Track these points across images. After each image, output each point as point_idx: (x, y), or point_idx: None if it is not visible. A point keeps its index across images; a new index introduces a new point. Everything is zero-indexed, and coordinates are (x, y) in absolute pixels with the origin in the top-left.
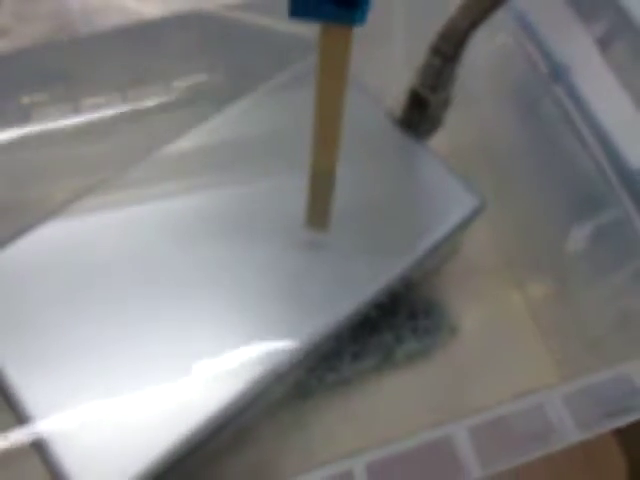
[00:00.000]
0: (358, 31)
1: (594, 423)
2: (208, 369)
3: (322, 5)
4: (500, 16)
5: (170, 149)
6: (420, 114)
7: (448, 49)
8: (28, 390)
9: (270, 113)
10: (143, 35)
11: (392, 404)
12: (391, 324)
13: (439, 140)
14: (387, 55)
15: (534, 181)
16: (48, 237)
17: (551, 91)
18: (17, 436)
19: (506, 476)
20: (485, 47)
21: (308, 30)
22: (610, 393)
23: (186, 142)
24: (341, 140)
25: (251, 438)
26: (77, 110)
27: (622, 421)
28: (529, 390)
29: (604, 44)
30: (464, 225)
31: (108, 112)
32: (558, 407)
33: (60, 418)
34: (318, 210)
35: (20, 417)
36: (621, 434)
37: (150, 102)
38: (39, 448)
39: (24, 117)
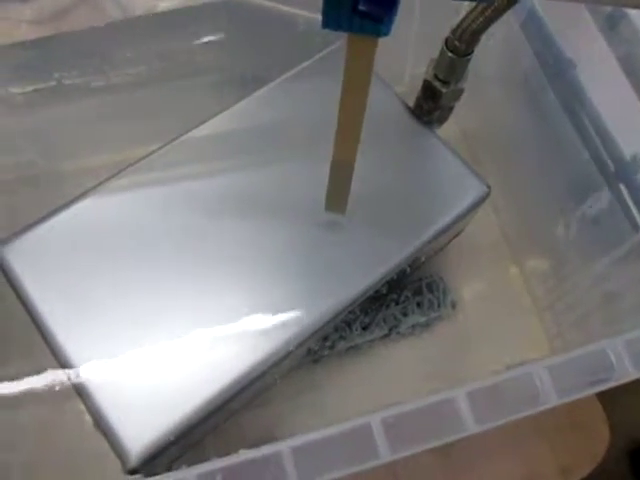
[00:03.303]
0: None
1: (573, 390)
2: (236, 334)
3: (352, 19)
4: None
5: (197, 133)
6: (433, 104)
7: (461, 45)
8: (74, 341)
9: (294, 100)
10: (173, 22)
11: (397, 370)
12: (398, 299)
13: (447, 124)
14: (403, 42)
15: (534, 166)
16: (87, 211)
17: (555, 82)
18: (62, 378)
19: (500, 434)
20: (495, 38)
21: None
22: (589, 365)
23: (213, 126)
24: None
25: (268, 397)
26: (107, 90)
27: (598, 388)
28: (522, 361)
29: (608, 38)
30: (470, 210)
31: (138, 94)
32: (543, 376)
33: (102, 368)
34: (337, 195)
35: (62, 363)
36: (605, 403)
37: (178, 86)
38: (80, 390)
39: (62, 95)
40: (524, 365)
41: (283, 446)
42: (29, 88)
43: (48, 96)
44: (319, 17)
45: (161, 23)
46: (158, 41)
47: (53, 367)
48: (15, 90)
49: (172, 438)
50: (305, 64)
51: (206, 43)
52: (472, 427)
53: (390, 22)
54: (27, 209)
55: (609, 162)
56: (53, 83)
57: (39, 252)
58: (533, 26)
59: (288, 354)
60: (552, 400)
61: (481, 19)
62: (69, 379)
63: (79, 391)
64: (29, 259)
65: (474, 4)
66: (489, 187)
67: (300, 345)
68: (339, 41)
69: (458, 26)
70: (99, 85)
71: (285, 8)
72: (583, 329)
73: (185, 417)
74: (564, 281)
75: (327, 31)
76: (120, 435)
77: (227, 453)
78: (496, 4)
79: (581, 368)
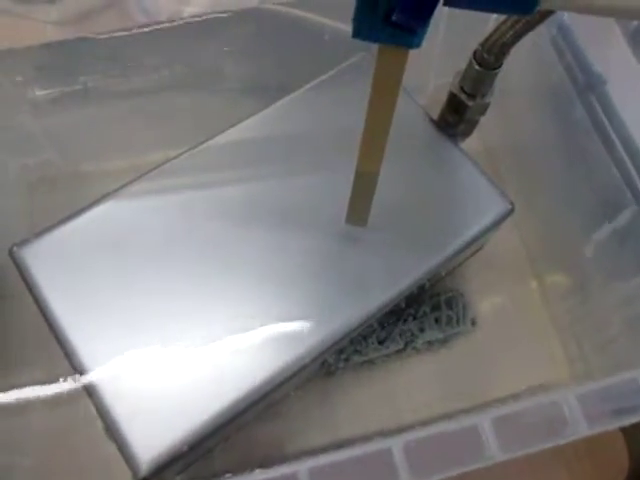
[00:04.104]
0: None
1: (603, 421)
2: (251, 345)
3: (384, 29)
4: None
5: (219, 140)
6: (457, 117)
7: (489, 58)
8: (85, 343)
9: (316, 110)
10: (198, 28)
11: (412, 387)
12: (415, 313)
13: (471, 138)
14: (427, 54)
15: (560, 183)
16: (107, 214)
17: (585, 99)
18: (73, 381)
19: (518, 459)
20: (524, 51)
21: None
22: (619, 395)
23: (235, 134)
24: (386, 147)
25: (280, 410)
26: (130, 95)
27: (628, 420)
28: (542, 384)
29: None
30: (493, 227)
31: (160, 99)
32: (572, 404)
33: (116, 373)
34: (359, 207)
35: (75, 366)
36: (624, 430)
37: (201, 93)
38: (92, 395)
39: (85, 98)
40: (550, 391)
41: (301, 467)
42: (53, 89)
43: (71, 98)
44: (345, 27)
45: (186, 29)
46: (182, 47)
47: (66, 371)
48: (39, 91)
49: (185, 448)
50: (329, 74)
51: (231, 50)
52: (497, 455)
53: (422, 34)
54: (46, 210)
55: (638, 181)
56: (77, 86)
57: (57, 254)
58: (563, 40)
59: (304, 367)
60: (582, 430)
61: (511, 32)
62: (82, 383)
63: (91, 395)
64: (46, 261)
65: (504, 16)
66: (512, 204)
67: (315, 358)
68: (364, 52)
69: (487, 39)
70: (122, 89)
71: (311, 17)
72: (606, 353)
73: (198, 427)
74: (587, 302)
75: (352, 41)
76: (131, 443)
77: (236, 465)
78: (527, 18)
79: (611, 397)
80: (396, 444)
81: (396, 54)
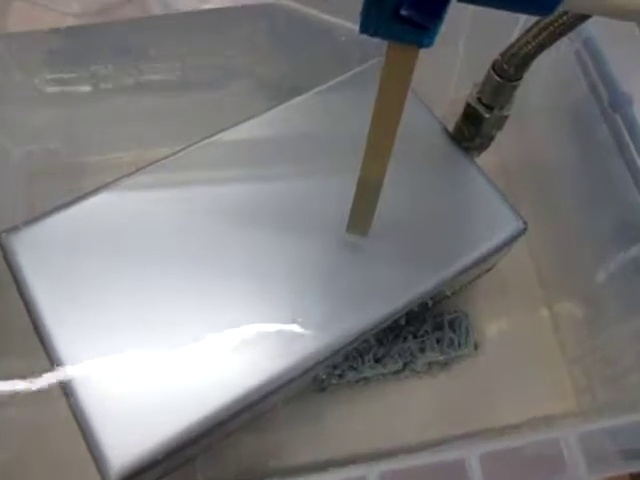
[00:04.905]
0: None
1: (609, 464)
2: (238, 353)
3: (393, 25)
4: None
5: (223, 137)
6: (474, 130)
7: (510, 69)
8: (65, 338)
9: (325, 113)
10: (213, 24)
11: (407, 409)
12: (416, 332)
13: (487, 154)
14: (447, 65)
15: (578, 206)
16: (100, 207)
17: (609, 119)
18: (48, 378)
19: None
20: (546, 65)
21: None
22: (629, 436)
23: (239, 132)
24: (392, 153)
25: (267, 422)
26: (139, 87)
27: (636, 466)
28: (545, 416)
29: None
30: (503, 247)
31: (170, 94)
32: (573, 445)
33: (94, 371)
34: (361, 216)
35: (53, 361)
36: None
37: (211, 89)
38: (67, 392)
39: (94, 88)
40: (552, 426)
41: None
42: (62, 77)
43: (81, 87)
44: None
45: (199, 22)
46: (195, 42)
47: (46, 365)
48: (48, 78)
49: (159, 457)
50: (341, 77)
51: (244, 47)
52: None
53: (434, 32)
54: (46, 200)
55: None
56: (87, 75)
57: (46, 244)
58: (588, 55)
59: (292, 380)
60: (581, 473)
61: (534, 43)
62: (58, 378)
63: (66, 392)
64: (34, 251)
65: (528, 27)
66: (526, 223)
67: (305, 372)
68: (380, 57)
69: (508, 49)
70: (132, 81)
71: (327, 17)
72: (616, 388)
73: (175, 435)
74: (599, 333)
75: (369, 45)
76: (103, 446)
77: (218, 476)
78: (552, 28)
79: (620, 438)
80: (372, 472)
81: (405, 53)
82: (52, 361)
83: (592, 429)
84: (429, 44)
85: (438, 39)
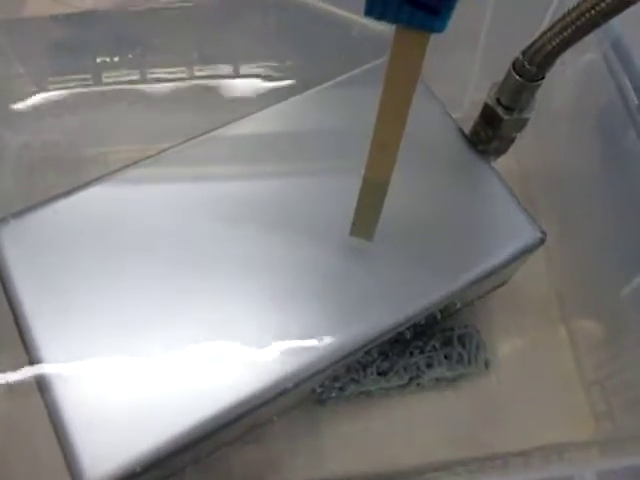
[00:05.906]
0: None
1: None
2: (229, 361)
3: (401, 8)
4: (592, 35)
5: (227, 131)
6: (491, 132)
7: (531, 68)
8: (46, 337)
9: (332, 109)
10: (220, 13)
11: (411, 427)
12: (424, 347)
13: (506, 158)
14: (466, 64)
15: (601, 217)
16: (91, 200)
17: (638, 124)
18: (27, 373)
19: None
20: (571, 67)
21: (387, 29)
22: None
23: (241, 127)
24: (399, 151)
25: (262, 435)
26: (143, 78)
27: None
28: (559, 443)
29: None
30: (519, 257)
31: (172, 85)
32: None
33: (73, 373)
34: (366, 219)
35: (33, 360)
36: None
37: (215, 81)
38: (45, 394)
39: (98, 79)
40: (563, 457)
41: None
42: (64, 65)
43: (83, 77)
44: (374, 25)
45: (209, 16)
46: (204, 34)
47: (25, 363)
48: (50, 66)
49: (138, 469)
50: (350, 74)
51: (253, 41)
52: None
53: (447, 16)
54: (45, 192)
55: None
56: (90, 64)
57: (33, 237)
58: (617, 57)
59: (285, 391)
60: None
61: (557, 40)
62: (37, 378)
63: (44, 394)
64: (21, 243)
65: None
66: (544, 234)
67: (299, 384)
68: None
69: (530, 46)
70: (137, 74)
71: (339, 12)
72: (638, 414)
73: (156, 446)
74: (621, 355)
75: (380, 39)
76: (78, 454)
77: None
78: (579, 23)
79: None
80: None
81: (415, 39)
82: (32, 360)
83: (612, 467)
84: (441, 29)
85: (457, 34)
